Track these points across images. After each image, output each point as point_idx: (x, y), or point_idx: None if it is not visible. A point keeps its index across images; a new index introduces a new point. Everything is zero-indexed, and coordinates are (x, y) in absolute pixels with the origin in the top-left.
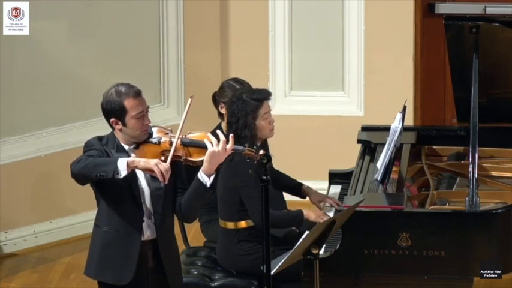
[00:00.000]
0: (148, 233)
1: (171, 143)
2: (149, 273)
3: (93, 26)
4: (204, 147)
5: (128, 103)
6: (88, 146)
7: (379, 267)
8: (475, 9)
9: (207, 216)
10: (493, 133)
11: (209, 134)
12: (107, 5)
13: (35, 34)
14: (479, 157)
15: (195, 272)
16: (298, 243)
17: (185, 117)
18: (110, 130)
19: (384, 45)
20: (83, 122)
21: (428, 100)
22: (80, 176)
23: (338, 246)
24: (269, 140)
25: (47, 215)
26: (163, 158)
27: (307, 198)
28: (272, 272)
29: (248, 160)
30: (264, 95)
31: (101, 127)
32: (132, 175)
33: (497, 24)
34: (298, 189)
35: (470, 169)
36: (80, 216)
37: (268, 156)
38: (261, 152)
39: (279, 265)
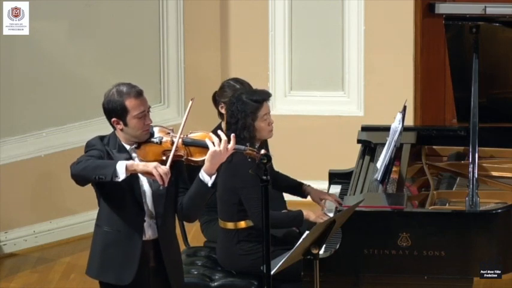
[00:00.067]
0: (149, 233)
1: (172, 143)
2: (150, 273)
3: (93, 26)
4: (206, 147)
5: (130, 103)
6: (89, 146)
7: (379, 267)
8: (475, 9)
9: (207, 216)
10: (493, 133)
11: (211, 134)
12: (107, 5)
13: (35, 34)
14: (479, 157)
15: (195, 272)
16: (298, 243)
17: (186, 119)
18: (110, 130)
19: (384, 45)
20: (83, 122)
21: (428, 100)
22: (79, 177)
23: (338, 246)
24: (269, 140)
25: (47, 215)
26: (164, 157)
27: (309, 198)
28: (272, 272)
29: (249, 160)
30: (263, 96)
31: (101, 127)
32: (133, 175)
33: (497, 24)
34: (298, 188)
35: (470, 169)
36: (80, 216)
37: (268, 156)
38: (262, 151)
39: (279, 265)
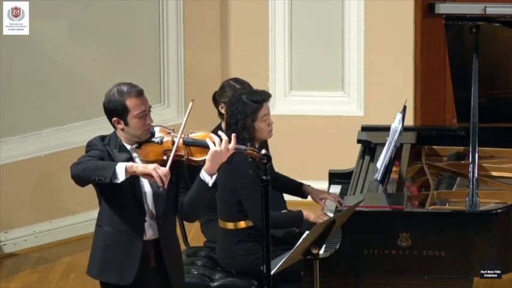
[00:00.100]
0: (150, 233)
1: (173, 143)
2: (151, 273)
3: (93, 26)
4: (206, 147)
5: (130, 102)
6: (90, 146)
7: (379, 267)
8: (475, 9)
9: (207, 216)
10: (493, 133)
11: (211, 134)
12: (107, 5)
13: (35, 34)
14: (479, 157)
15: (195, 272)
16: (298, 243)
17: (186, 120)
18: (110, 130)
19: (384, 45)
20: (83, 122)
21: (428, 100)
22: (79, 178)
23: (338, 246)
24: (269, 140)
25: (47, 215)
26: (165, 157)
27: (309, 198)
28: (272, 272)
29: (250, 160)
30: (263, 97)
31: (101, 127)
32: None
33: (497, 24)
34: (298, 189)
35: (470, 169)
36: (80, 216)
37: (268, 156)
38: (263, 151)
39: (279, 265)
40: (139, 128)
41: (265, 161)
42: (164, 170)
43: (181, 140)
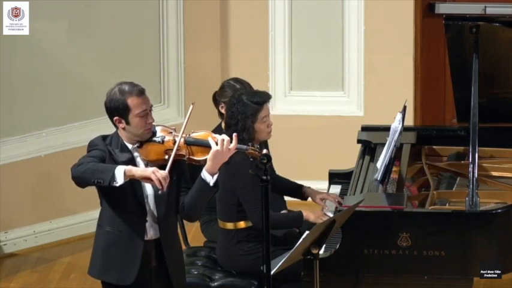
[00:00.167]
0: (151, 233)
1: (174, 142)
2: (152, 273)
3: (93, 26)
4: (208, 146)
5: (132, 101)
6: (92, 145)
7: (379, 267)
8: (475, 9)
9: (207, 216)
10: (493, 133)
11: (213, 133)
12: (107, 5)
13: (35, 34)
14: (479, 157)
15: (195, 272)
16: (298, 243)
17: (186, 123)
18: (110, 130)
19: (384, 45)
20: (83, 122)
21: (428, 100)
22: (79, 180)
23: (338, 246)
24: (269, 140)
25: (47, 215)
26: (166, 156)
27: (309, 199)
28: (272, 272)
29: (251, 159)
30: (264, 98)
31: (101, 127)
32: None
33: (497, 24)
34: (298, 191)
35: (470, 169)
36: (80, 216)
37: (268, 156)
38: (265, 151)
39: (279, 265)
40: (140, 127)
41: (265, 161)
42: (163, 173)
43: (182, 139)
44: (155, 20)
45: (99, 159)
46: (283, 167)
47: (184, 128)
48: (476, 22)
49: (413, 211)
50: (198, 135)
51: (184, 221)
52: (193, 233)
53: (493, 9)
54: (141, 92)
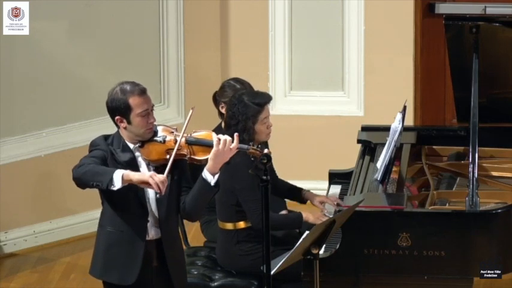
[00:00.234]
0: (152, 233)
1: (175, 142)
2: (153, 273)
3: (93, 26)
4: (209, 146)
5: (133, 101)
6: (93, 145)
7: (379, 267)
8: (475, 9)
9: (207, 216)
10: (493, 133)
11: (214, 133)
12: (107, 5)
13: (35, 34)
14: (479, 157)
15: (195, 272)
16: (298, 243)
17: (185, 127)
18: (110, 130)
19: (384, 45)
20: (83, 122)
21: (428, 100)
22: (79, 181)
23: (338, 246)
24: (270, 140)
25: (47, 215)
26: (168, 156)
27: (308, 203)
28: (272, 272)
29: (252, 159)
30: (265, 100)
31: (101, 127)
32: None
33: (497, 24)
34: (298, 194)
35: (470, 169)
36: (80, 216)
37: (268, 156)
38: (266, 150)
39: (279, 265)
40: (142, 127)
41: (265, 161)
42: (161, 177)
43: (184, 139)
44: (155, 20)
45: (100, 159)
46: (283, 167)
47: (188, 122)
48: (476, 22)
49: (413, 211)
50: (200, 134)
51: (185, 221)
52: (193, 233)
53: (493, 9)
54: (142, 92)
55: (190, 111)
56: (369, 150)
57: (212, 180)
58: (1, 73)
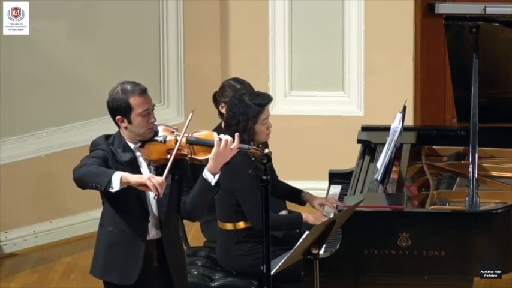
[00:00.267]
0: (153, 233)
1: (176, 142)
2: (154, 273)
3: (93, 26)
4: (210, 146)
5: (134, 100)
6: (94, 145)
7: (379, 267)
8: (475, 9)
9: (207, 216)
10: (493, 133)
11: (215, 133)
12: (107, 5)
13: (35, 34)
14: (479, 157)
15: (195, 272)
16: (298, 243)
17: (185, 130)
18: (110, 130)
19: (384, 45)
20: (83, 122)
21: (428, 100)
22: (79, 182)
23: (338, 246)
24: (269, 140)
25: (47, 215)
26: (168, 156)
27: (308, 204)
28: (272, 272)
29: (253, 159)
30: (266, 100)
31: (101, 127)
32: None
33: (497, 24)
34: (297, 196)
35: (470, 169)
36: (80, 216)
37: (268, 156)
38: (267, 150)
39: (279, 265)
40: (142, 126)
41: (265, 161)
42: (159, 179)
43: (184, 138)
44: (155, 20)
45: (101, 159)
46: (283, 167)
47: (188, 123)
48: (476, 22)
49: (413, 211)
50: (200, 134)
51: (184, 221)
52: (193, 233)
53: (493, 9)
54: (143, 91)
55: (191, 114)
56: (369, 150)
57: (213, 180)
58: (1, 73)
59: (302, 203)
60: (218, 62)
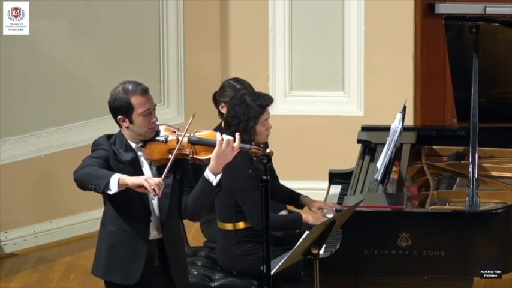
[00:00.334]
0: (154, 233)
1: (178, 141)
2: (155, 273)
3: (93, 26)
4: (211, 146)
5: (135, 100)
6: (96, 145)
7: (379, 267)
8: (475, 9)
9: (207, 216)
10: (493, 133)
11: (217, 133)
12: (107, 5)
13: (35, 34)
14: (479, 157)
15: (195, 272)
16: (298, 243)
17: (188, 127)
18: (110, 130)
19: (384, 45)
20: (83, 122)
21: (428, 100)
22: (80, 183)
23: (338, 246)
24: (269, 140)
25: (47, 215)
26: (170, 156)
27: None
28: (272, 272)
29: (255, 158)
30: (267, 102)
31: (101, 127)
32: (138, 175)
33: (497, 24)
34: (296, 199)
35: (470, 169)
36: (80, 216)
37: (268, 156)
38: (268, 150)
39: (279, 265)
40: (144, 126)
41: (265, 161)
42: (156, 180)
43: (186, 138)
44: (155, 20)
45: (102, 159)
46: (283, 167)
47: (189, 123)
48: (476, 22)
49: (413, 211)
50: (202, 134)
51: (184, 221)
52: (193, 233)
53: (493, 9)
54: (144, 91)
55: (191, 118)
56: (369, 150)
57: (214, 180)
58: (1, 73)
59: (300, 206)
60: (218, 62)
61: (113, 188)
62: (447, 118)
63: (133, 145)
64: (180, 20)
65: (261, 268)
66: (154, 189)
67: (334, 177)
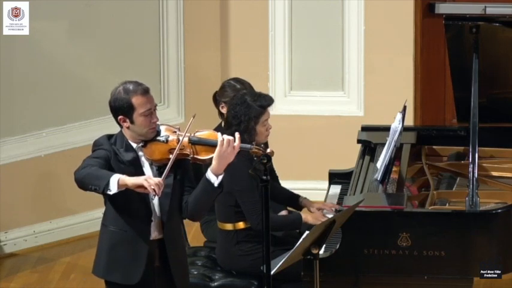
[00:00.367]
0: (155, 233)
1: (178, 141)
2: (156, 273)
3: (93, 26)
4: (212, 146)
5: (136, 100)
6: (96, 145)
7: (379, 267)
8: (475, 9)
9: (207, 216)
10: (493, 133)
11: (219, 134)
12: (107, 5)
13: (35, 34)
14: (479, 157)
15: (195, 272)
16: (298, 243)
17: (188, 127)
18: (110, 130)
19: (384, 45)
20: (83, 122)
21: (428, 100)
22: (80, 184)
23: (338, 246)
24: (269, 140)
25: (47, 215)
26: (170, 156)
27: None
28: (272, 272)
29: (255, 158)
30: (268, 102)
31: (101, 127)
32: (139, 175)
33: (497, 24)
34: (295, 201)
35: (470, 169)
36: (80, 216)
37: (268, 156)
38: (268, 150)
39: (279, 265)
40: (145, 126)
41: (264, 161)
42: (156, 180)
43: (186, 138)
44: (155, 20)
45: (103, 159)
46: (283, 167)
47: (190, 124)
48: (476, 22)
49: (413, 211)
50: (203, 134)
51: (185, 221)
52: (193, 233)
53: (493, 9)
54: (145, 91)
55: (191, 119)
56: (369, 150)
57: (216, 181)
58: (1, 73)
59: (300, 208)
60: (218, 62)
61: (113, 189)
62: (447, 118)
63: (134, 145)
64: (180, 20)
65: (261, 268)
66: (154, 189)
67: (334, 177)
